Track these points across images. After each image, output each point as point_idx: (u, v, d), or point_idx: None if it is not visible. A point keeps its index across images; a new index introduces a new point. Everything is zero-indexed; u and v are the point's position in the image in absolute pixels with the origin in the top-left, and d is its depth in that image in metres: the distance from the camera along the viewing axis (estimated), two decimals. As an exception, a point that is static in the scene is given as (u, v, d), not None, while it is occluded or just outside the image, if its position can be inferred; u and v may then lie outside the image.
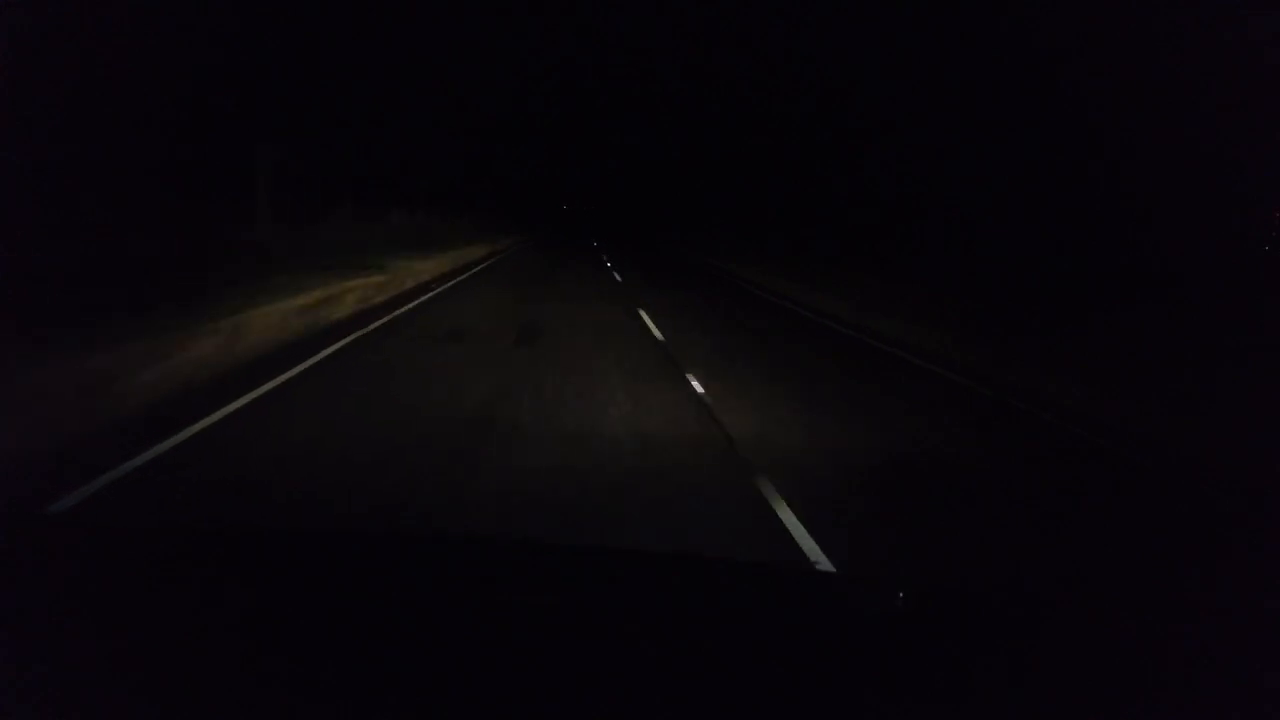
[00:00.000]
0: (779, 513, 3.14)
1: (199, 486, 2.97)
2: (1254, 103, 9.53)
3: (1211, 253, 11.02)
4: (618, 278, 15.19)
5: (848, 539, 2.94)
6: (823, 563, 2.70)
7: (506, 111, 46.12)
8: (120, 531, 1.20)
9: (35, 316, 4.35)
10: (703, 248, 28.21)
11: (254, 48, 14.37)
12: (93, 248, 7.34)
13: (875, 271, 15.54)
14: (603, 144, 62.54)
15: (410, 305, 8.61)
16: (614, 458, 3.65)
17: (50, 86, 8.24)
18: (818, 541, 2.85)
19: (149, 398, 3.91)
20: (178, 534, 1.22)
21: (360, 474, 3.20)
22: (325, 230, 13.30)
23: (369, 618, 0.92)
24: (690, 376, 5.69)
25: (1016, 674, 0.90)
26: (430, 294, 9.86)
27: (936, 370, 7.47)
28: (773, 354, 7.73)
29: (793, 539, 2.89)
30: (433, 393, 4.67)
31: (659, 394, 5.09)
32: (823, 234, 23.05)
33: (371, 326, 6.89)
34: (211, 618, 0.88)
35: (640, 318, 8.99)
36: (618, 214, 56.02)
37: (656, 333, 7.89)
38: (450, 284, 11.39)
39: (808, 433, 4.47)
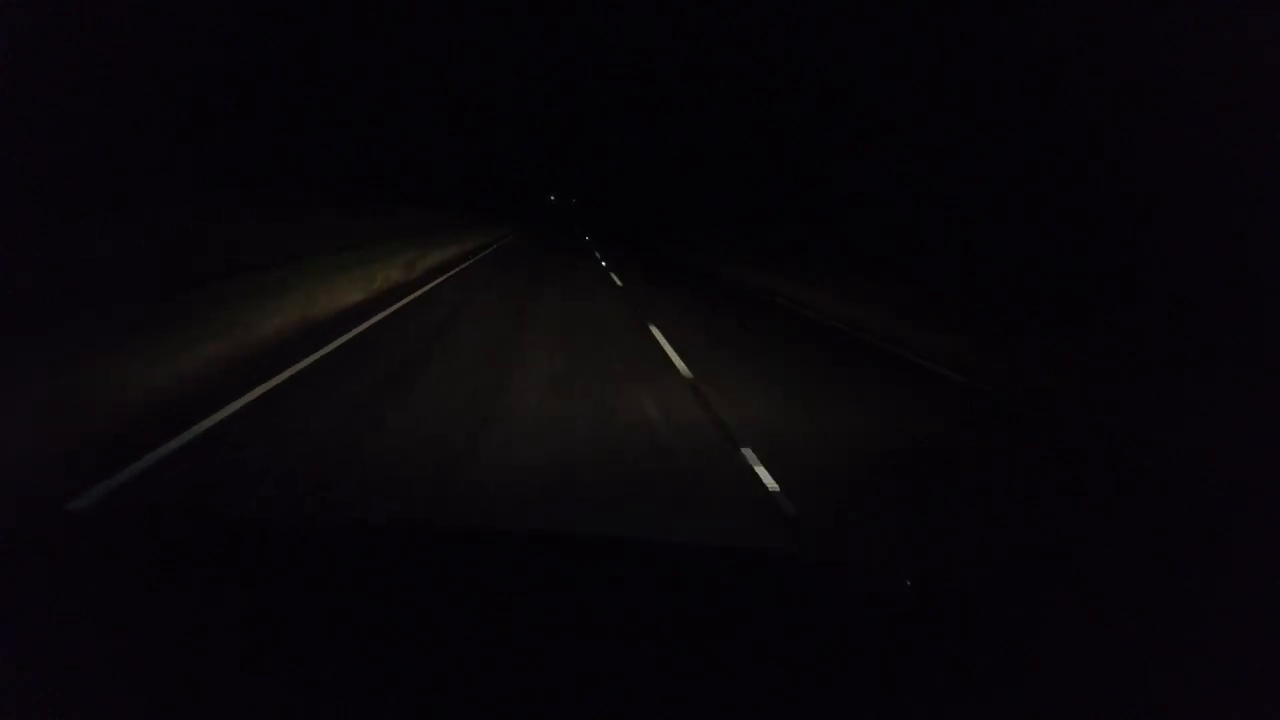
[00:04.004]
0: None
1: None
2: (1254, 103, 9.52)
3: (1211, 253, 11.00)
4: (617, 281, 13.47)
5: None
6: None
7: (506, 112, 46.58)
8: (116, 527, 1.20)
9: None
10: (707, 249, 28.30)
11: (254, 48, 14.55)
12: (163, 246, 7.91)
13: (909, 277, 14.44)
14: (602, 144, 62.76)
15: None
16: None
17: (50, 86, 8.28)
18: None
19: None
20: (174, 530, 1.22)
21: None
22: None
23: (367, 615, 0.92)
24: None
25: (1017, 673, 0.90)
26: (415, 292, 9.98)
27: (983, 389, 7.47)
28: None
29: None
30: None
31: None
32: (828, 234, 23.16)
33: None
34: (209, 615, 0.87)
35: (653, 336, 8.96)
36: (618, 213, 55.96)
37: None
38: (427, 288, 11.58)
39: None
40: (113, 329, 4.91)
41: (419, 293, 9.84)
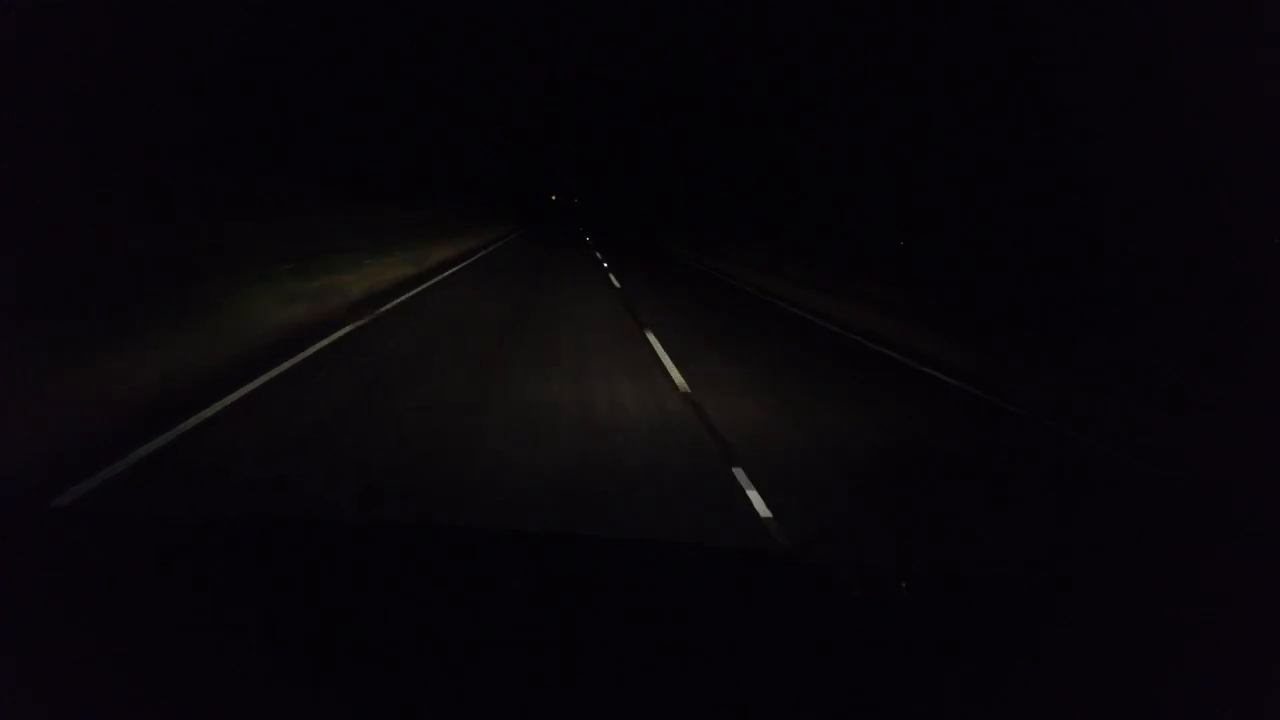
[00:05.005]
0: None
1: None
2: (1255, 103, 9.50)
3: (1213, 260, 10.98)
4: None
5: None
6: None
7: (513, 123, 48.99)
8: (112, 525, 1.20)
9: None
10: (669, 237, 32.23)
11: (265, 62, 15.77)
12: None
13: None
14: (598, 153, 64.06)
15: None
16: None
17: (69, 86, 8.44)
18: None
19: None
20: (169, 527, 1.22)
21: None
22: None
23: (360, 612, 0.92)
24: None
25: (1013, 674, 0.90)
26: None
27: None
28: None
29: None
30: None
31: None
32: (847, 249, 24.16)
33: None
34: (207, 612, 0.87)
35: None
36: (610, 212, 56.64)
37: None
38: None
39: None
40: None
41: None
